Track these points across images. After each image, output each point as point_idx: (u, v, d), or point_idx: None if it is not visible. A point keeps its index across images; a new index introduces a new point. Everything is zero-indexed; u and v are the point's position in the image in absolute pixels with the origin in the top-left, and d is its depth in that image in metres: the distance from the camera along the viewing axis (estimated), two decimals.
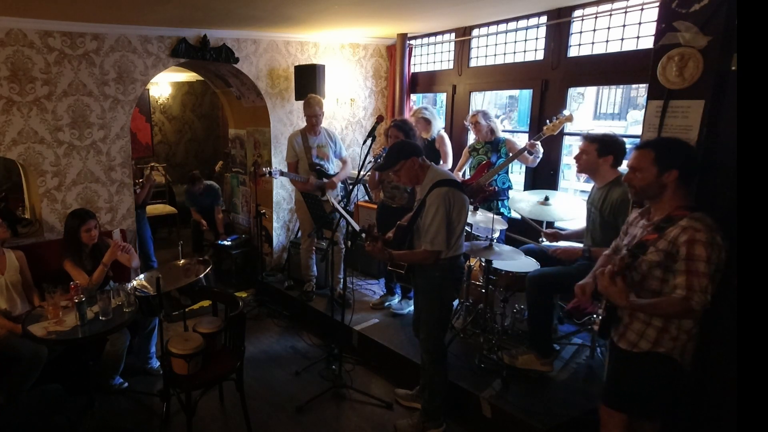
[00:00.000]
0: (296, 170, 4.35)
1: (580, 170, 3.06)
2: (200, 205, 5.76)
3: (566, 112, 3.65)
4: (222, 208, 5.88)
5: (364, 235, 2.65)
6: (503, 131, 4.27)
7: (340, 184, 4.52)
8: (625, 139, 2.99)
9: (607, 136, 2.88)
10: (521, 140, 4.10)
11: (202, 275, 2.96)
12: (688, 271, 1.83)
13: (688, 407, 2.26)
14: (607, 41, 3.71)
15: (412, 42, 5.27)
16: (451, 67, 5.01)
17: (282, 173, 4.31)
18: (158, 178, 5.52)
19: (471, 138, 4.27)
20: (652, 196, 1.99)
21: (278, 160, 5.21)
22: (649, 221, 2.02)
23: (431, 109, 4.36)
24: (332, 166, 4.41)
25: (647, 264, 1.96)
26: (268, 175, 4.28)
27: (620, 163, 2.88)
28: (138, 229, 4.72)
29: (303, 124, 4.60)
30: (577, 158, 2.97)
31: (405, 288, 4.28)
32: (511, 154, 3.86)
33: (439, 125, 4.32)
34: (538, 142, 3.74)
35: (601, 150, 2.84)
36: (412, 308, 4.06)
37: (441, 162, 4.32)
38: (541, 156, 3.84)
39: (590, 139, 2.89)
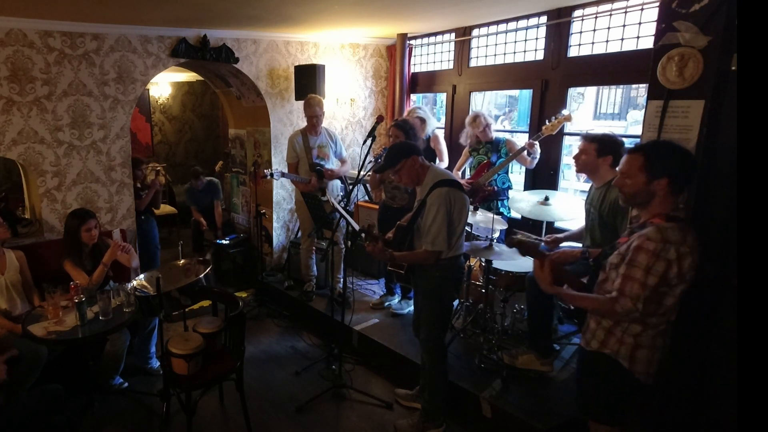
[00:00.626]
0: (296, 170, 4.35)
1: (579, 170, 3.05)
2: (200, 203, 5.76)
3: (565, 112, 3.65)
4: (222, 204, 5.89)
5: (364, 235, 2.65)
6: (503, 131, 4.27)
7: (339, 184, 4.52)
8: (624, 140, 2.99)
9: (607, 136, 2.88)
10: (521, 140, 4.11)
11: (202, 275, 2.96)
12: (624, 274, 1.83)
13: (646, 417, 2.24)
14: (607, 41, 3.71)
15: (412, 42, 5.27)
16: (451, 67, 5.01)
17: (283, 174, 4.31)
18: (160, 180, 5.53)
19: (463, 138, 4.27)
20: (641, 203, 1.93)
21: (278, 160, 5.22)
22: (631, 225, 2.02)
23: (425, 109, 4.37)
24: (332, 166, 4.41)
25: (609, 265, 1.97)
26: (269, 177, 4.28)
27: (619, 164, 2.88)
28: (146, 234, 4.74)
29: (303, 123, 4.60)
30: (576, 158, 2.97)
31: (405, 288, 4.28)
32: (510, 154, 3.87)
33: (433, 124, 4.32)
34: (537, 143, 3.75)
35: (600, 150, 2.84)
36: (412, 308, 4.06)
37: (437, 161, 4.32)
38: (538, 157, 3.85)
39: (589, 139, 2.89)
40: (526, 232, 3.24)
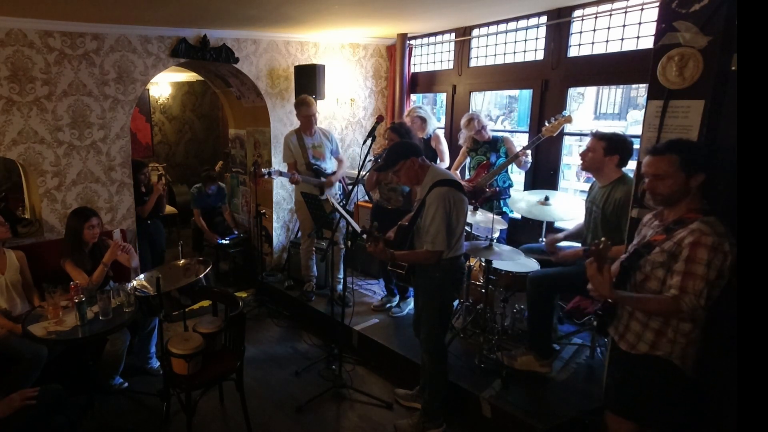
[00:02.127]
0: (295, 170, 4.35)
1: (585, 167, 3.05)
2: (206, 206, 5.73)
3: (565, 113, 3.65)
4: (228, 208, 5.88)
5: (365, 235, 2.64)
6: (504, 131, 4.28)
7: (338, 184, 4.52)
8: (633, 140, 2.98)
9: (616, 135, 2.87)
10: (520, 140, 4.11)
11: (202, 275, 2.96)
12: (685, 272, 1.82)
13: (693, 414, 2.23)
14: (607, 41, 3.71)
15: (412, 42, 5.27)
16: (451, 67, 5.01)
17: (280, 173, 4.31)
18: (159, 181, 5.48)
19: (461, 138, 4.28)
20: (676, 201, 1.93)
21: (278, 160, 5.21)
22: (662, 222, 2.00)
23: (426, 108, 4.37)
24: (329, 165, 4.40)
25: (650, 264, 1.94)
26: (267, 176, 4.28)
27: (625, 164, 2.87)
28: (156, 237, 4.76)
29: None
30: (583, 155, 2.96)
31: (402, 288, 4.27)
32: (509, 155, 3.87)
33: (434, 124, 4.32)
34: (529, 151, 3.80)
35: (608, 149, 2.83)
36: (411, 309, 4.06)
37: (438, 160, 4.33)
38: (530, 162, 3.91)
39: (598, 137, 2.88)
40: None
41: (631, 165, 2.80)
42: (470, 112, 4.27)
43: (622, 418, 2.11)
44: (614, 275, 2.03)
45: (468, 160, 4.26)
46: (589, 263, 1.94)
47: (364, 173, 3.39)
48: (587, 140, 3.00)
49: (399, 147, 2.82)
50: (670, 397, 2.01)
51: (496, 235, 3.49)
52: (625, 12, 3.53)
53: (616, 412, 2.14)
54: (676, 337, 1.94)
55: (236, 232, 5.59)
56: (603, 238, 1.85)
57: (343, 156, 4.60)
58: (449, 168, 4.35)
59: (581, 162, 3.01)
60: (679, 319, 1.90)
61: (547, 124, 3.67)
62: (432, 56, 5.33)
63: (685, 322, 1.90)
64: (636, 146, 2.89)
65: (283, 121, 5.19)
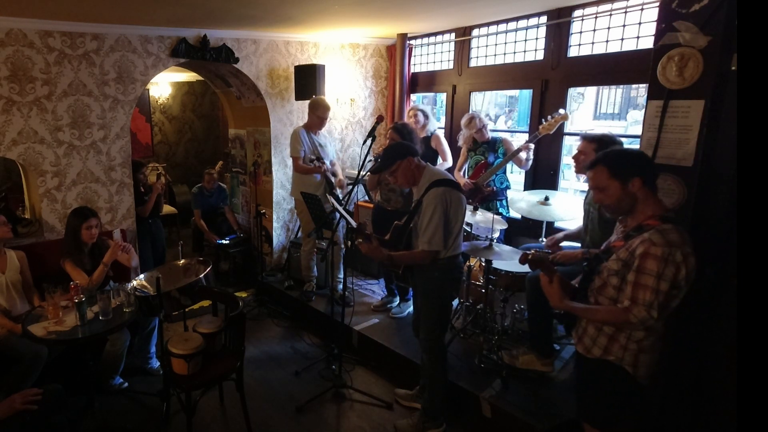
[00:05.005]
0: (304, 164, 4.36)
1: (578, 170, 3.06)
2: (206, 206, 5.73)
3: (561, 111, 3.65)
4: (230, 208, 5.89)
5: (354, 234, 2.62)
6: (503, 131, 4.28)
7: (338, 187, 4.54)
8: (624, 140, 2.99)
9: (606, 137, 2.88)
10: (520, 140, 4.11)
11: (202, 275, 2.96)
12: (635, 282, 1.82)
13: (645, 420, 2.23)
14: (607, 41, 3.71)
15: (412, 42, 5.27)
16: (451, 67, 5.01)
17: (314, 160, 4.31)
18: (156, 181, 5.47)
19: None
20: (628, 209, 1.94)
21: (278, 160, 5.22)
22: (624, 229, 2.01)
23: (426, 108, 4.37)
24: (330, 167, 4.42)
25: (607, 271, 1.95)
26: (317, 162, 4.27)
27: None
28: (157, 236, 4.76)
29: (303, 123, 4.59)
30: (576, 158, 2.97)
31: (402, 290, 4.27)
32: (508, 155, 3.87)
33: (434, 124, 4.32)
34: (532, 145, 3.77)
35: (599, 150, 2.83)
36: (410, 310, 4.06)
37: (440, 160, 4.32)
38: (531, 159, 3.89)
39: (588, 139, 2.89)
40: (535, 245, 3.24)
41: None
42: (471, 112, 4.27)
43: (590, 427, 2.11)
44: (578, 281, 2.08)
45: (468, 159, 4.26)
46: (541, 274, 2.00)
47: (364, 173, 3.38)
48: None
49: (396, 147, 2.82)
50: (620, 402, 2.01)
51: (496, 235, 3.49)
52: (625, 12, 3.53)
53: (580, 416, 2.16)
54: (627, 344, 1.93)
55: (236, 233, 5.59)
56: (533, 250, 1.89)
57: (335, 159, 4.63)
58: (453, 168, 4.35)
59: (575, 165, 3.01)
60: (630, 329, 1.91)
61: (543, 122, 3.67)
62: (432, 56, 5.33)
63: (638, 330, 1.90)
64: (636, 146, 2.89)
65: (283, 121, 5.19)
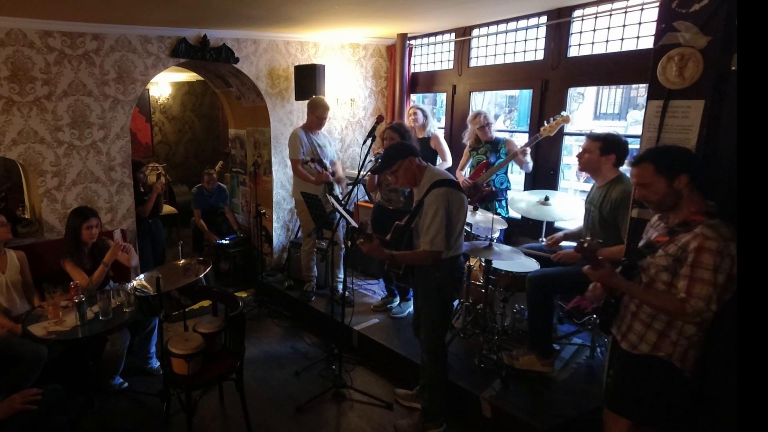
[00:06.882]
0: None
1: (582, 168, 3.06)
2: (206, 206, 5.73)
3: (563, 113, 3.65)
4: (230, 208, 5.88)
5: (356, 234, 2.61)
6: (503, 131, 4.28)
7: (337, 186, 4.52)
8: (628, 140, 2.99)
9: (611, 136, 2.89)
10: (521, 140, 4.11)
11: (202, 275, 2.96)
12: (691, 276, 1.82)
13: (689, 415, 2.23)
14: (607, 41, 3.71)
15: (412, 42, 5.27)
16: (451, 67, 5.01)
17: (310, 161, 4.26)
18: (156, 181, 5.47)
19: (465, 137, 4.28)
20: (671, 205, 1.95)
21: (278, 160, 5.22)
22: (667, 224, 2.00)
23: (426, 108, 4.37)
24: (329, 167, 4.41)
25: (655, 267, 1.95)
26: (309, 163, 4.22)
27: (622, 163, 2.89)
28: (157, 236, 4.76)
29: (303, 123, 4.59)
30: (580, 156, 2.97)
31: (403, 290, 4.27)
32: (508, 155, 3.87)
33: (434, 124, 4.32)
34: (528, 149, 3.78)
35: (604, 149, 2.85)
36: (411, 310, 4.06)
37: (440, 160, 4.32)
38: (531, 162, 3.90)
39: (593, 138, 2.90)
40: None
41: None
42: (478, 109, 4.25)
43: (618, 416, 2.12)
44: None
45: (470, 159, 4.26)
46: (586, 269, 1.98)
47: (364, 173, 3.38)
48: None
49: (396, 147, 2.82)
50: (667, 397, 2.02)
51: (496, 235, 3.49)
52: (625, 12, 3.53)
53: (614, 409, 2.16)
54: (678, 339, 1.95)
55: (236, 233, 5.59)
56: (588, 237, 1.86)
57: (336, 159, 4.61)
58: (455, 167, 4.35)
59: (578, 163, 3.02)
60: (684, 322, 1.91)
61: (545, 124, 3.67)
62: (432, 56, 5.33)
63: (690, 324, 1.91)
64: (636, 146, 2.89)
65: (283, 121, 5.19)
